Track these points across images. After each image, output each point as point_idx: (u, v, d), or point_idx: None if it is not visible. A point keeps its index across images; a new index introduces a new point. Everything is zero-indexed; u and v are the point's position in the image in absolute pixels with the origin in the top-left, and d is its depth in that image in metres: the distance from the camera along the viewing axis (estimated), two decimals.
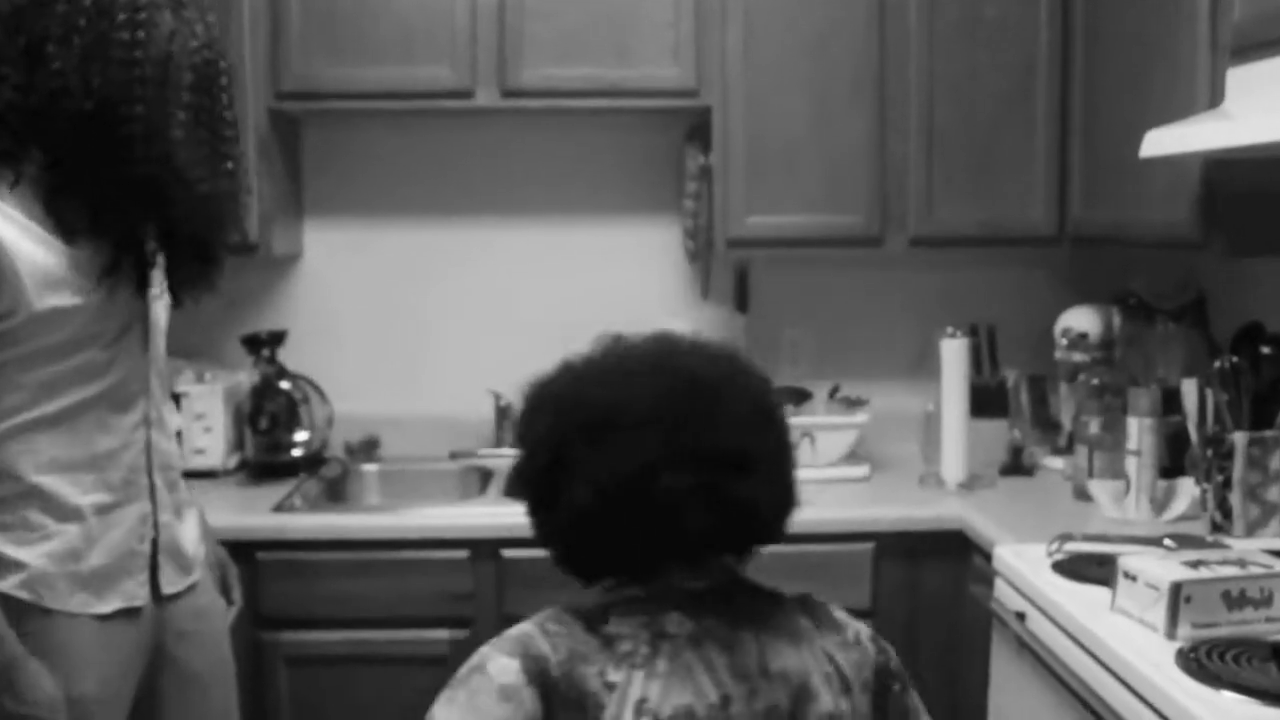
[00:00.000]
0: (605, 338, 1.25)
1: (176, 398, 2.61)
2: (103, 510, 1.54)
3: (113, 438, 1.53)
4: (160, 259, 1.53)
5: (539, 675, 1.13)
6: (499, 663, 1.14)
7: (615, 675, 1.14)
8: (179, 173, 1.43)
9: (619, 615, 1.19)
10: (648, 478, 1.15)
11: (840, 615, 1.27)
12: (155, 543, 1.60)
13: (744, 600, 1.22)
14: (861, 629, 1.27)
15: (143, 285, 1.51)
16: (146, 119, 1.41)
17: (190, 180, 1.45)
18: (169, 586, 1.63)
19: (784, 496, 1.23)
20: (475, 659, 1.17)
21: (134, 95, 1.40)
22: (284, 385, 2.75)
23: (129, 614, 1.56)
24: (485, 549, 2.35)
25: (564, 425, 1.19)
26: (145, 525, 1.59)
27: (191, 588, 1.67)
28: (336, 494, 2.76)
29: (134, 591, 1.57)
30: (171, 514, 1.64)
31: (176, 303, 1.59)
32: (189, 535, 1.68)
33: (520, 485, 1.24)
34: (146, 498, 1.60)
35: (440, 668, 2.28)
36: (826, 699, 1.18)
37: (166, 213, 1.47)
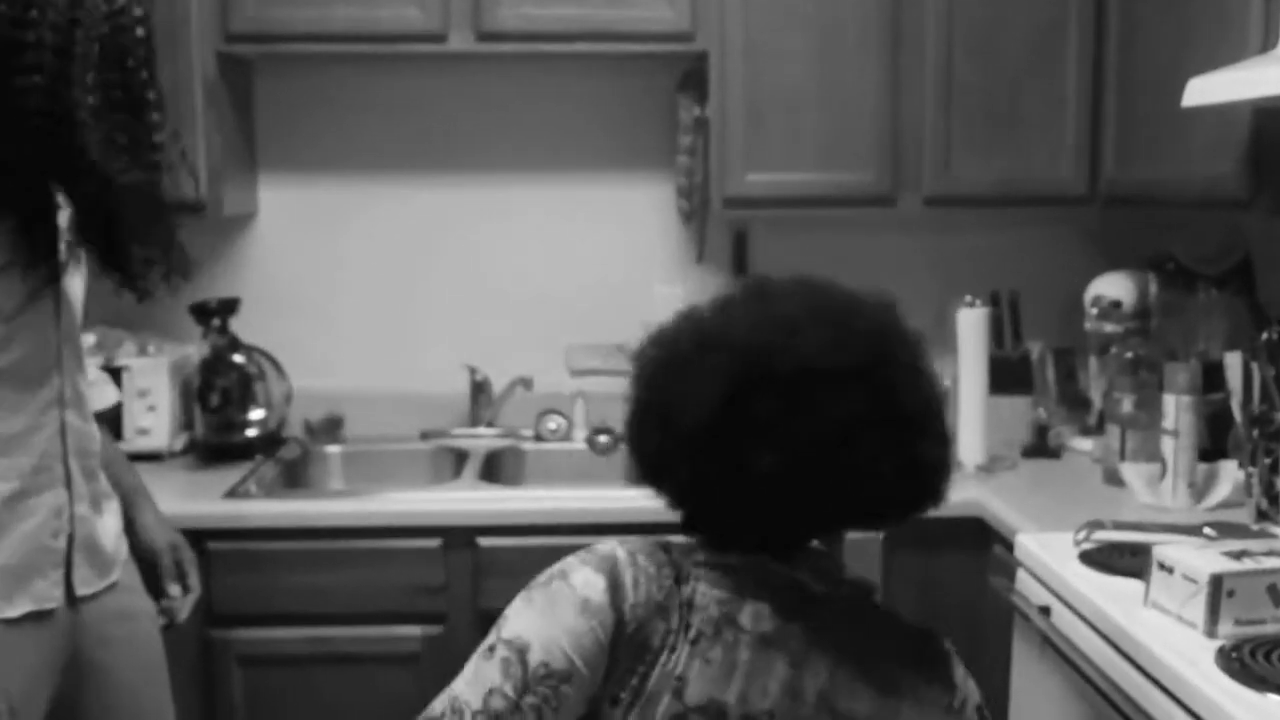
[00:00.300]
0: (751, 280, 1.25)
1: (116, 372, 2.60)
2: (11, 500, 1.49)
3: (19, 419, 1.49)
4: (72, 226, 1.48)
5: (617, 605, 1.17)
6: (585, 575, 1.18)
7: (675, 641, 1.17)
8: (93, 164, 1.39)
9: (707, 581, 1.19)
10: (849, 441, 1.14)
11: (958, 675, 1.26)
12: (71, 538, 1.56)
13: (857, 621, 1.22)
14: (972, 697, 1.26)
15: (51, 256, 1.46)
16: (46, 91, 1.35)
17: (107, 172, 1.41)
18: (84, 587, 1.58)
19: (950, 456, 1.24)
20: (559, 566, 1.20)
21: (27, 63, 1.34)
22: (237, 358, 2.74)
23: (39, 618, 1.52)
24: (460, 538, 2.35)
25: (746, 373, 1.16)
26: (60, 518, 1.55)
27: (111, 588, 1.63)
28: (295, 478, 2.77)
29: (46, 592, 1.53)
30: (89, 506, 1.60)
31: (140, 295, 1.55)
32: (109, 530, 1.64)
33: (669, 441, 1.19)
34: (61, 486, 1.55)
35: (411, 667, 2.35)
36: None
37: (82, 204, 1.43)
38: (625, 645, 1.17)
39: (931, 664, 1.24)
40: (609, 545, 1.22)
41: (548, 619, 1.17)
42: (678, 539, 1.24)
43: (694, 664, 1.17)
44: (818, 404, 1.15)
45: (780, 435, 1.15)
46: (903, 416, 1.17)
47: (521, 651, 1.17)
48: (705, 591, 1.19)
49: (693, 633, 1.17)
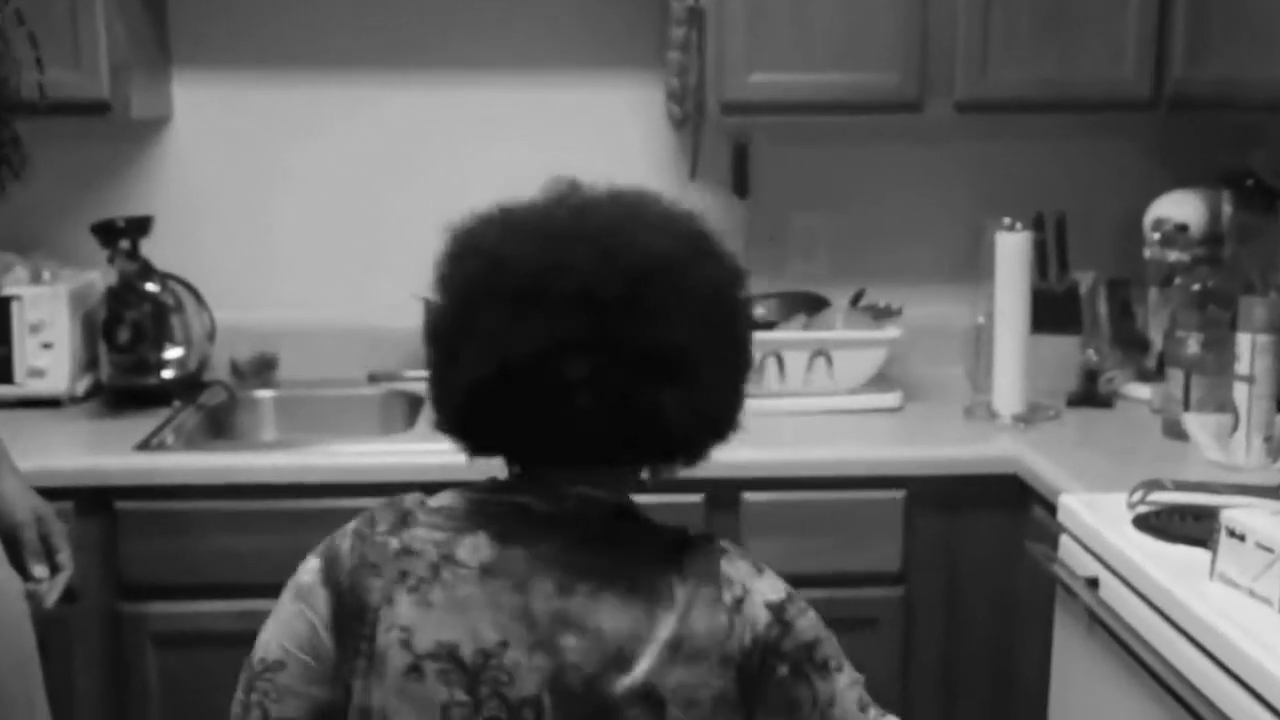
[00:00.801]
0: (560, 184, 1.36)
1: (4, 303, 2.60)
2: None
3: None
4: None
5: (332, 579, 1.33)
6: (308, 562, 1.36)
7: (394, 592, 1.30)
8: None
9: (426, 525, 1.33)
10: (555, 362, 1.25)
11: (732, 569, 1.31)
12: None
13: (593, 536, 1.31)
14: (757, 592, 1.31)
15: None
16: None
17: None
18: None
19: (716, 413, 1.33)
20: None
21: None
22: (149, 287, 2.73)
23: None
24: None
25: (482, 286, 1.30)
26: None
27: None
28: (220, 427, 2.77)
29: None
30: None
31: None
32: None
33: (427, 338, 1.37)
34: None
35: None
36: (644, 668, 1.26)
37: None
38: (346, 614, 1.31)
39: (693, 563, 1.31)
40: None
41: (273, 617, 1.36)
42: (408, 498, 1.38)
43: (416, 611, 1.29)
44: (540, 320, 1.26)
45: (494, 343, 1.27)
46: (637, 354, 1.26)
47: (251, 654, 1.36)
48: (423, 536, 1.32)
49: (411, 580, 1.30)
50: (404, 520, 1.34)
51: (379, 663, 1.29)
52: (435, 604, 1.29)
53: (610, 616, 1.27)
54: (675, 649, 1.27)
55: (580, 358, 1.25)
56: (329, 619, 1.32)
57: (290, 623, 1.34)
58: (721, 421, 1.34)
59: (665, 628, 1.27)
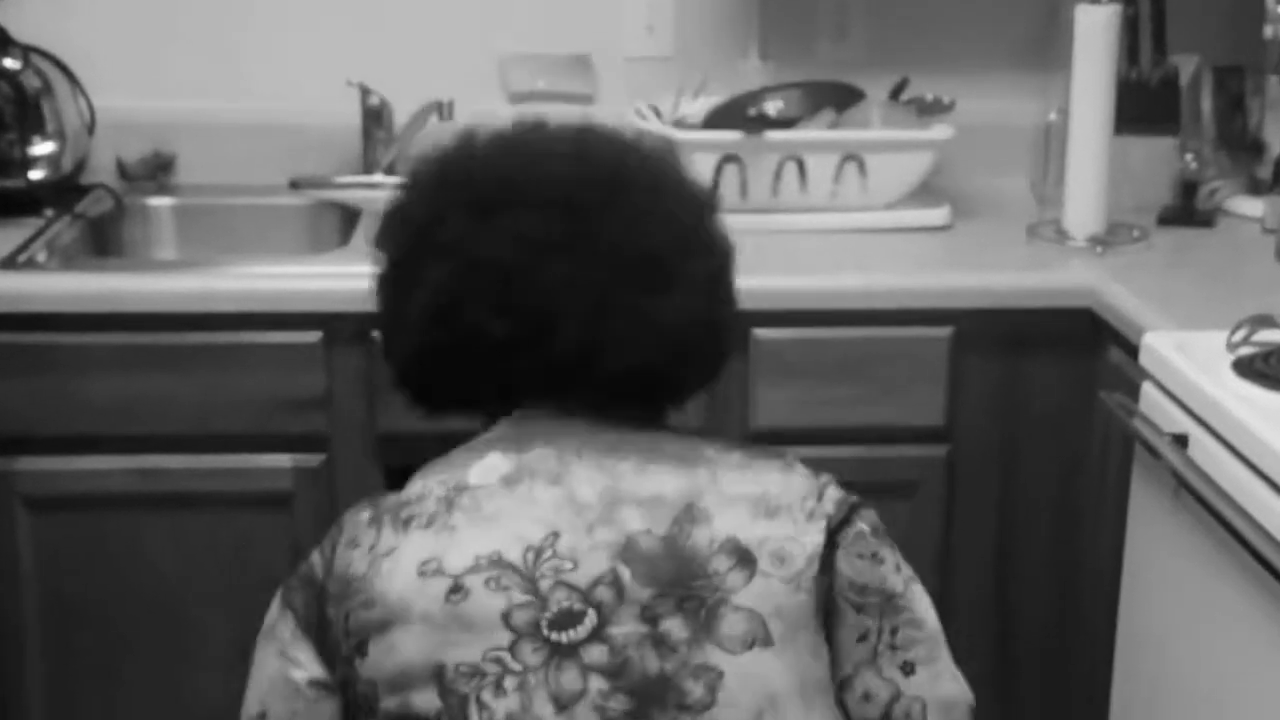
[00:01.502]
0: (524, 120, 1.57)
1: None
2: None
3: None
4: None
5: (291, 598, 1.51)
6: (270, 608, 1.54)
7: (390, 541, 1.44)
8: None
9: (423, 476, 1.48)
10: (531, 266, 1.44)
11: (778, 451, 1.54)
12: None
13: (618, 424, 1.51)
14: (809, 472, 1.52)
15: None
16: None
17: None
18: None
19: (711, 319, 1.53)
20: None
21: None
22: (8, 64, 2.72)
23: None
24: (347, 329, 2.35)
25: (444, 199, 1.49)
26: None
27: None
28: (105, 242, 2.76)
29: None
30: None
31: None
32: None
33: (377, 281, 1.55)
34: None
35: (279, 512, 2.53)
36: (729, 522, 1.42)
37: None
38: (331, 602, 1.46)
39: (735, 445, 1.55)
40: None
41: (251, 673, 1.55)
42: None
43: (437, 539, 1.42)
44: (504, 223, 1.46)
45: (457, 251, 1.46)
46: (615, 259, 1.46)
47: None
48: (421, 484, 1.48)
49: (421, 519, 1.44)
50: (382, 497, 1.48)
51: (392, 613, 1.41)
52: (459, 526, 1.41)
53: (668, 481, 1.43)
54: (754, 503, 1.44)
55: (559, 257, 1.44)
56: (301, 631, 1.48)
57: (264, 677, 1.51)
58: (707, 330, 1.53)
59: (735, 485, 1.44)
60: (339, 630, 1.45)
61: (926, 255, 2.57)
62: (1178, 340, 2.07)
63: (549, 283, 1.45)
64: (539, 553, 1.40)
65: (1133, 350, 2.17)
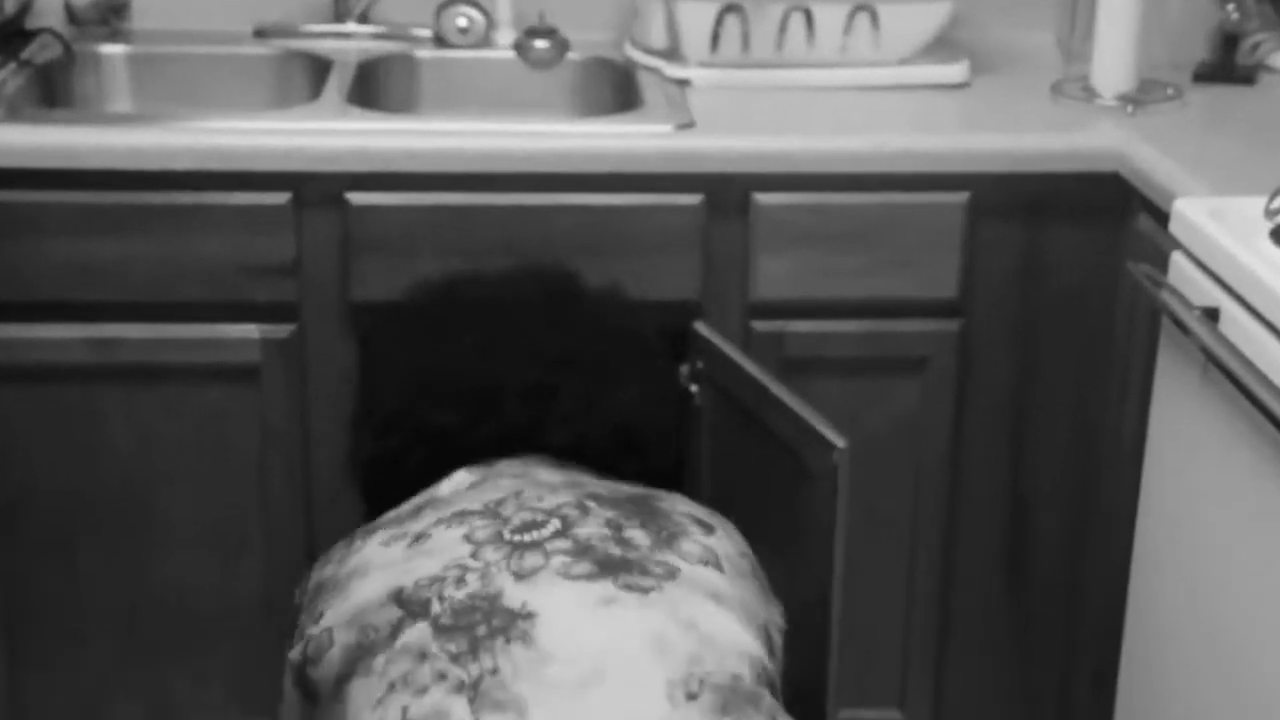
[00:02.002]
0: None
1: None
2: None
3: None
4: None
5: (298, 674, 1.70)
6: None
7: (358, 545, 1.72)
8: None
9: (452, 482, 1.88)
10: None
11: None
12: None
13: None
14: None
15: None
16: None
17: None
18: None
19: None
20: None
21: None
22: None
23: None
24: (319, 191, 2.33)
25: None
26: None
27: None
28: (53, 93, 2.71)
29: None
30: None
31: None
32: None
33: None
34: None
35: (245, 386, 2.42)
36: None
37: None
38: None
39: None
40: None
41: None
42: None
43: (395, 529, 1.72)
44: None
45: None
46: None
47: None
48: (450, 485, 1.84)
49: (387, 525, 1.74)
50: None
51: (353, 574, 1.67)
52: (425, 518, 1.72)
53: (626, 488, 1.87)
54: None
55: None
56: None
57: None
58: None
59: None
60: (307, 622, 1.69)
61: (942, 115, 2.54)
62: (1212, 207, 2.03)
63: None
64: (501, 501, 1.63)
65: (1163, 218, 2.13)
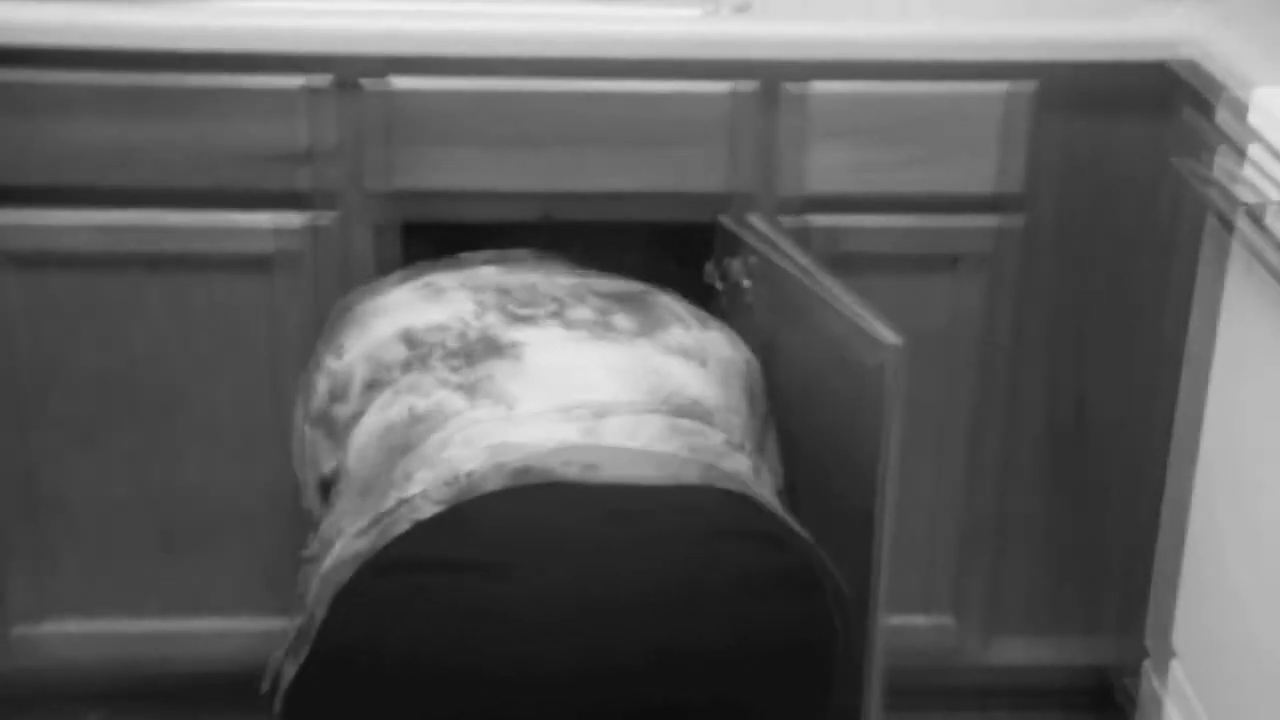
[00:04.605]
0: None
1: None
2: None
3: None
4: None
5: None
6: None
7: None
8: None
9: None
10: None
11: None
12: None
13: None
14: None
15: None
16: None
17: None
18: None
19: None
20: None
21: None
22: None
23: None
24: (351, 73, 2.32)
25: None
26: None
27: None
28: None
29: None
30: None
31: None
32: None
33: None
34: None
35: (261, 275, 2.44)
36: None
37: None
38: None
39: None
40: None
41: None
42: None
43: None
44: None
45: None
46: None
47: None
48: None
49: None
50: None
51: (370, 310, 2.13)
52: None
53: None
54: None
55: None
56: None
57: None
58: None
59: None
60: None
61: (1007, 1, 2.48)
62: None
63: None
64: (511, 288, 2.10)
65: (1240, 109, 2.08)
